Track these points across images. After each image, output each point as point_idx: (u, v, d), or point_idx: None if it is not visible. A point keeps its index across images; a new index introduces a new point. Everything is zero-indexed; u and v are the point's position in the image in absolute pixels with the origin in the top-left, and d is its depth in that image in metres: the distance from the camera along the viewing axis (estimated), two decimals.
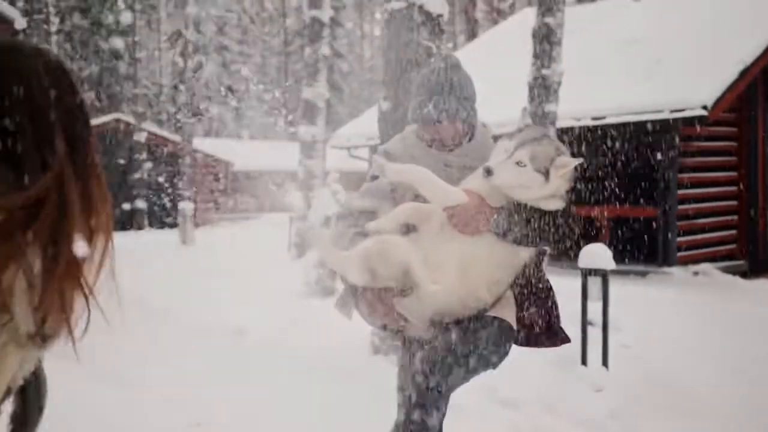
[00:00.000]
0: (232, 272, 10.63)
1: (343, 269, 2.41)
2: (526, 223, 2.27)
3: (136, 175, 24.01)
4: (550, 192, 2.29)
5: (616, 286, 9.25)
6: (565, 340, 2.61)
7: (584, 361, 5.08)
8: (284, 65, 43.16)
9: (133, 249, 14.92)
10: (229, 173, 26.88)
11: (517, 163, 2.25)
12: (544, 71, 8.76)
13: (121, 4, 33.19)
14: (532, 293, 2.49)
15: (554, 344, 2.61)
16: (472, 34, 26.53)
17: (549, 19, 8.72)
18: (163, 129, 26.94)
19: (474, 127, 2.60)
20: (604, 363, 5.07)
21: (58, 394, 4.33)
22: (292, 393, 5.08)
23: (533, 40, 8.88)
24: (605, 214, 11.14)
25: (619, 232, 11.43)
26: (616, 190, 11.27)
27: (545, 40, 8.75)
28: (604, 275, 5.04)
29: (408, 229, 2.41)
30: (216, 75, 39.77)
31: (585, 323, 5.07)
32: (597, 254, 5.05)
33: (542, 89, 8.79)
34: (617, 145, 11.40)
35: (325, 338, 6.32)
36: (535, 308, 2.54)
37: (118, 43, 28.41)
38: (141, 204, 23.95)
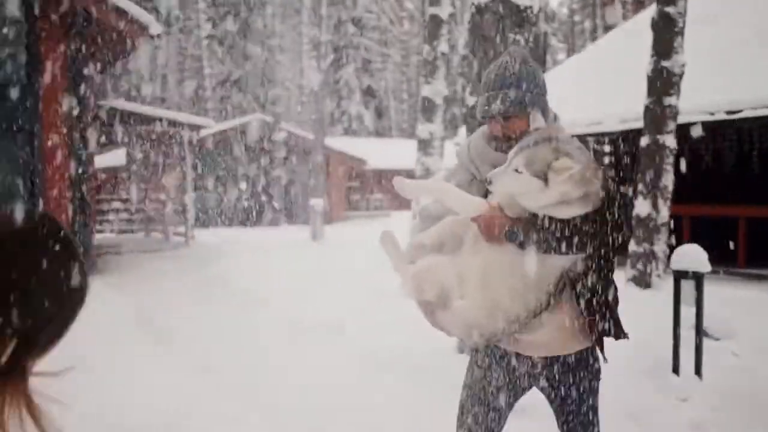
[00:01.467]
0: (347, 269, 10.85)
1: (403, 281, 2.45)
2: (539, 230, 2.15)
3: (275, 173, 24.99)
4: (553, 198, 2.13)
5: (745, 290, 8.71)
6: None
7: (676, 370, 4.78)
8: None
9: (264, 244, 15.60)
10: (362, 171, 27.39)
11: (515, 170, 2.15)
12: (664, 63, 8.31)
13: (268, 9, 34.50)
14: (590, 303, 2.32)
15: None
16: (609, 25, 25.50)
17: (669, 8, 8.27)
18: (301, 129, 27.86)
19: (538, 122, 2.43)
20: (697, 372, 4.75)
21: (153, 381, 4.62)
22: (378, 389, 5.13)
23: (652, 31, 8.45)
24: (741, 213, 10.38)
25: (758, 233, 10.62)
26: (754, 188, 10.47)
27: (665, 30, 8.30)
28: (698, 278, 4.71)
29: (454, 242, 2.38)
30: (355, 75, 40.65)
31: (677, 329, 4.77)
32: (691, 255, 4.72)
33: (661, 82, 8.35)
34: (755, 139, 10.62)
35: (420, 338, 6.33)
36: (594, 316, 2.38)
37: (263, 46, 29.45)
38: (278, 201, 24.90)
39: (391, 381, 5.39)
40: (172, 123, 15.23)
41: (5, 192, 11.20)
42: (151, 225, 18.19)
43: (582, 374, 2.40)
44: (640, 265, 8.50)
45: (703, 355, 4.79)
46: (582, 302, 2.27)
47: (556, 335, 2.32)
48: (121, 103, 15.62)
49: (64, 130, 11.28)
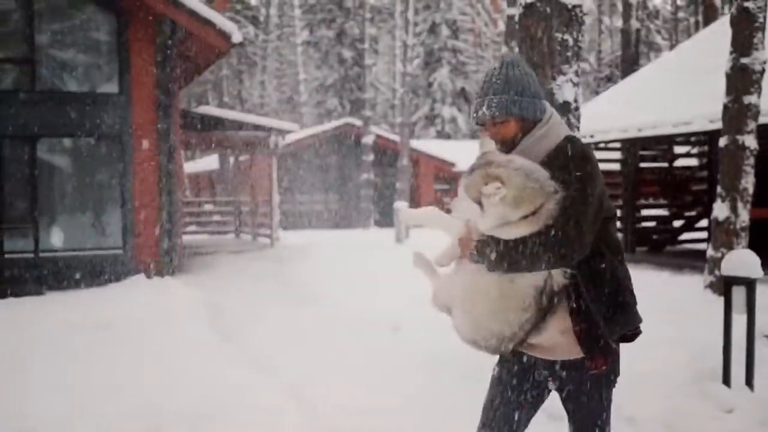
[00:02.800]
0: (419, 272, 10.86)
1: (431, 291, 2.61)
2: (489, 251, 2.23)
3: (363, 176, 25.28)
4: (492, 221, 2.21)
5: None
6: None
7: (726, 380, 4.58)
8: None
9: (348, 246, 15.83)
10: (451, 173, 27.34)
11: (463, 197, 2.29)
12: (743, 60, 7.95)
13: (365, 14, 34.98)
14: (574, 312, 2.33)
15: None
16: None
17: (748, 3, 7.89)
18: (392, 132, 28.08)
19: (485, 146, 2.45)
20: (748, 382, 4.54)
21: (206, 372, 4.82)
22: (435, 389, 5.16)
23: (731, 27, 8.10)
24: None
25: None
26: None
27: (744, 26, 7.94)
28: (749, 284, 4.50)
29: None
30: (449, 78, 40.57)
31: (728, 337, 4.57)
32: (742, 261, 4.51)
33: (741, 80, 7.99)
34: None
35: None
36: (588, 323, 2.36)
37: (357, 51, 29.84)
38: (366, 203, 25.17)
39: (448, 381, 5.39)
40: (260, 128, 15.69)
41: (102, 197, 11.87)
42: (240, 227, 18.78)
43: (590, 380, 2.38)
44: (717, 271, 8.14)
45: (756, 366, 4.57)
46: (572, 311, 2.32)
47: (559, 339, 2.33)
48: (210, 109, 16.23)
49: (154, 137, 11.84)
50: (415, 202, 25.83)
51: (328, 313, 8.05)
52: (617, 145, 14.29)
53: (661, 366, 5.28)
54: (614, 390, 2.46)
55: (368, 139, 24.97)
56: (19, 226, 11.27)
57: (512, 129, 2.37)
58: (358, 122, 26.20)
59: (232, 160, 19.02)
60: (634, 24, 23.20)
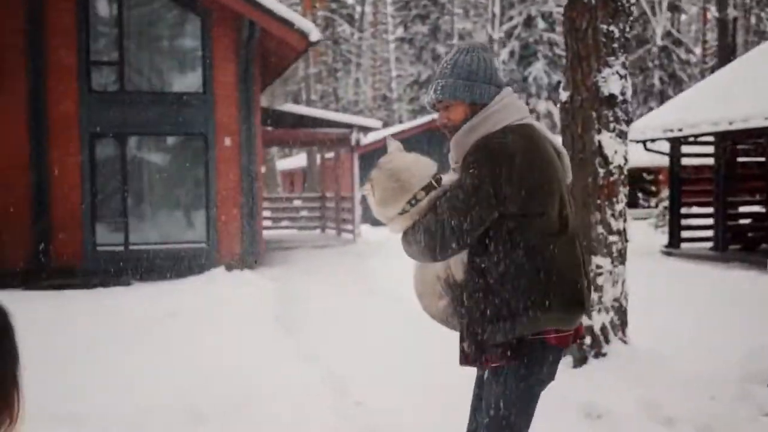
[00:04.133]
0: None
1: None
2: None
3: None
4: (379, 218, 2.43)
5: None
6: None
7: None
8: None
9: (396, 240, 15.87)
10: None
11: None
12: None
13: (458, 10, 34.82)
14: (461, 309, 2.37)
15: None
16: None
17: None
18: None
19: (392, 146, 2.49)
20: None
21: (260, 362, 4.98)
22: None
23: None
24: None
25: None
26: None
27: None
28: None
29: None
30: (545, 72, 39.80)
31: None
32: None
33: None
34: None
35: None
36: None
37: (451, 47, 29.72)
38: None
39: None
40: (342, 125, 15.93)
41: (187, 193, 12.38)
42: (325, 222, 19.13)
43: (497, 373, 2.35)
44: None
45: None
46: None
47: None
48: (294, 107, 16.62)
49: (236, 135, 12.25)
50: None
51: (397, 310, 8.10)
52: (710, 139, 13.69)
53: (711, 366, 5.08)
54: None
55: None
56: (112, 221, 11.91)
57: (459, 113, 2.37)
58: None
59: (318, 157, 19.41)
60: (732, 13, 22.06)
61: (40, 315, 7.55)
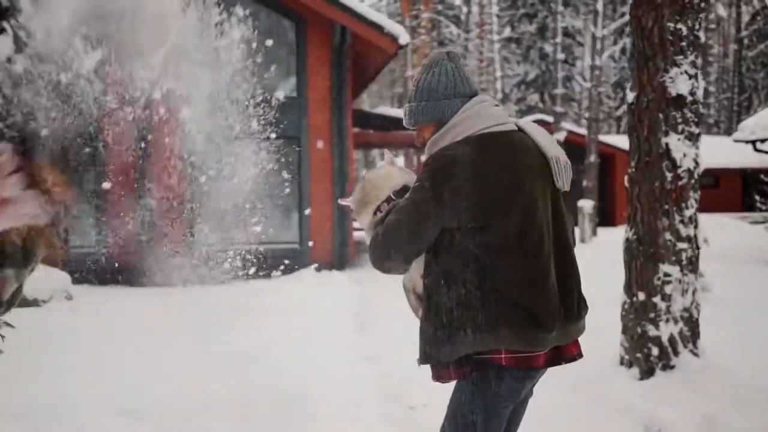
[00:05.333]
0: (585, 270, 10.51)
1: None
2: None
3: None
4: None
5: None
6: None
7: None
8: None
9: None
10: None
11: None
12: None
13: (561, 8, 34.11)
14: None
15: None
16: None
17: None
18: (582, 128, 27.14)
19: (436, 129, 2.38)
20: None
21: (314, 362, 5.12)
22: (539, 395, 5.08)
23: None
24: None
25: None
26: None
27: None
28: None
29: None
30: None
31: None
32: None
33: None
34: None
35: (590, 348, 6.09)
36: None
37: (557, 45, 29.11)
38: None
39: (557, 387, 5.26)
40: None
41: (283, 194, 12.73)
42: None
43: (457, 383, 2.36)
44: None
45: None
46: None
47: None
48: (387, 110, 16.72)
49: (328, 138, 12.51)
50: (605, 201, 24.81)
51: None
52: None
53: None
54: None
55: (559, 136, 24.26)
56: (216, 220, 12.40)
57: (429, 133, 2.36)
58: (548, 118, 25.63)
59: (402, 158, 19.47)
60: None
61: (133, 310, 8.00)
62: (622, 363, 5.33)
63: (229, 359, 5.75)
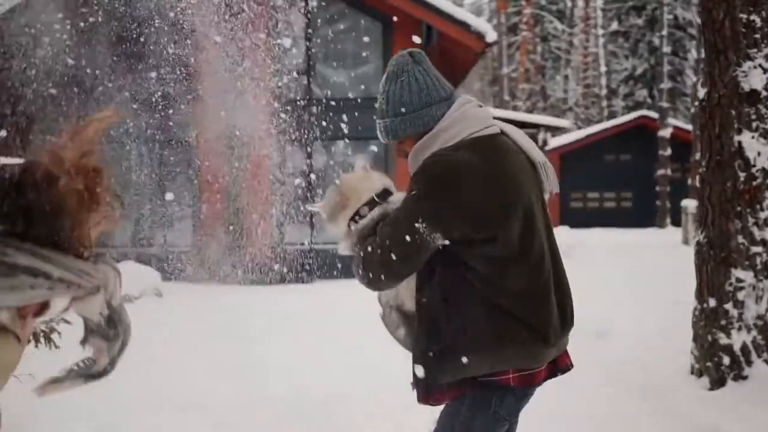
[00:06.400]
0: (674, 274, 10.11)
1: None
2: None
3: (660, 172, 23.72)
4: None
5: None
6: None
7: None
8: None
9: (621, 246, 15.17)
10: None
11: None
12: None
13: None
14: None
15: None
16: None
17: None
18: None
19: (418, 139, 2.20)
20: None
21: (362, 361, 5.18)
22: (603, 401, 4.96)
23: None
24: None
25: None
26: None
27: None
28: None
29: None
30: None
31: None
32: None
33: None
34: None
35: (661, 355, 5.87)
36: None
37: (665, 38, 28.01)
38: (662, 201, 23.60)
39: (620, 395, 5.10)
40: (527, 125, 15.66)
41: None
42: None
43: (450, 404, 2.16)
44: None
45: None
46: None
47: None
48: None
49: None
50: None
51: None
52: None
53: None
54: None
55: (665, 132, 23.36)
56: (298, 221, 12.69)
57: (411, 144, 2.18)
58: (653, 114, 24.70)
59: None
60: None
61: (218, 306, 8.28)
62: (692, 372, 5.09)
63: (283, 359, 5.86)
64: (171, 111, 11.38)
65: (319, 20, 12.70)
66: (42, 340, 3.73)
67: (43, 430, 4.01)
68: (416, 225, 1.97)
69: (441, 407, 2.20)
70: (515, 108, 35.63)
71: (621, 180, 24.65)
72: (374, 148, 12.52)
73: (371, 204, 2.18)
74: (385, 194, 2.20)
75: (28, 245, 1.25)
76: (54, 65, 11.37)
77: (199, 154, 11.96)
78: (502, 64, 31.46)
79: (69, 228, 1.30)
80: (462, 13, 11.91)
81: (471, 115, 2.12)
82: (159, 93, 11.57)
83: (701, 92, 4.89)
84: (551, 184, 2.19)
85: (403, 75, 2.15)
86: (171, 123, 11.83)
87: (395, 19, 12.32)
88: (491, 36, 11.83)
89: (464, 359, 2.00)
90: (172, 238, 12.50)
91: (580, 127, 33.07)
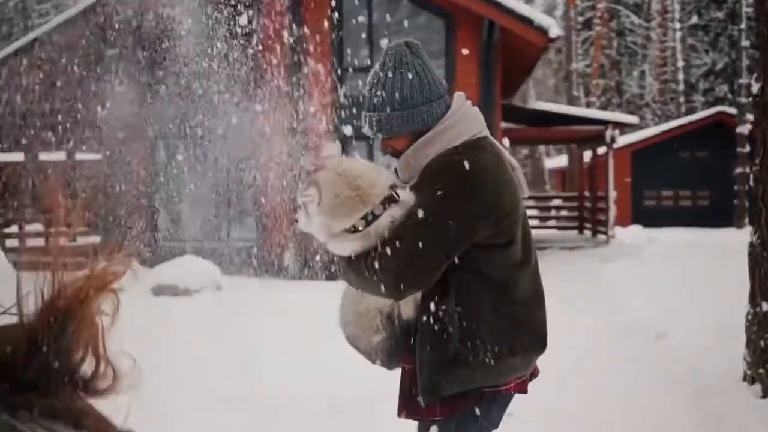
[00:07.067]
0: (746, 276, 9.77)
1: None
2: (338, 260, 2.06)
3: (738, 170, 22.80)
4: (317, 232, 1.98)
5: None
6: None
7: None
8: None
9: (700, 247, 14.72)
10: None
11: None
12: None
13: None
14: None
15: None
16: None
17: None
18: None
19: (330, 150, 2.14)
20: None
21: None
22: (663, 404, 4.85)
23: None
24: None
25: None
26: None
27: None
28: None
29: None
30: None
31: None
32: None
33: None
34: None
35: (717, 358, 5.66)
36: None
37: (743, 32, 26.92)
38: (740, 200, 22.70)
39: (672, 400, 4.96)
40: (594, 121, 15.33)
41: None
42: (583, 223, 18.53)
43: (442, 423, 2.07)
44: None
45: None
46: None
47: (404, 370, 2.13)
48: (543, 105, 16.30)
49: None
50: None
51: (592, 323, 7.72)
52: None
53: None
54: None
55: (743, 129, 22.41)
56: None
57: (404, 142, 2.07)
58: (733, 110, 23.78)
59: (588, 154, 18.81)
60: None
61: (276, 300, 8.39)
62: (744, 378, 4.89)
63: (324, 356, 5.88)
64: (236, 108, 11.61)
65: (379, 16, 12.74)
66: None
67: None
68: (446, 225, 1.87)
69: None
70: (588, 105, 34.93)
71: (697, 178, 23.80)
72: None
73: (387, 201, 1.96)
74: (398, 191, 2.01)
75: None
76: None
77: (263, 151, 12.16)
78: (571, 59, 30.81)
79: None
80: (524, 8, 11.73)
81: (471, 115, 2.08)
82: (228, 89, 11.85)
83: (755, 87, 4.70)
84: (525, 188, 2.13)
85: (402, 67, 2.06)
86: (235, 120, 12.07)
87: (457, 15, 12.24)
88: (555, 31, 11.60)
89: (475, 367, 1.94)
90: (236, 233, 12.76)
91: (657, 124, 32.16)
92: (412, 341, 2.04)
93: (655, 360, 5.98)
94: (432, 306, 1.94)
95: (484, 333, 1.94)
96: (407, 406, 2.07)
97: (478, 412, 2.02)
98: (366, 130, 2.10)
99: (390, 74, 2.05)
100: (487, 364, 1.94)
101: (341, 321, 2.19)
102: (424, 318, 1.96)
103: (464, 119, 2.06)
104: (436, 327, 1.94)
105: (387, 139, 2.10)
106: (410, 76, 2.04)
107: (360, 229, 1.92)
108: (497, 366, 1.96)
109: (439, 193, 1.89)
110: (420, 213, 1.88)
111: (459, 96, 2.13)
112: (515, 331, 1.99)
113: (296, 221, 2.02)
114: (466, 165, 1.90)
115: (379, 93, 2.04)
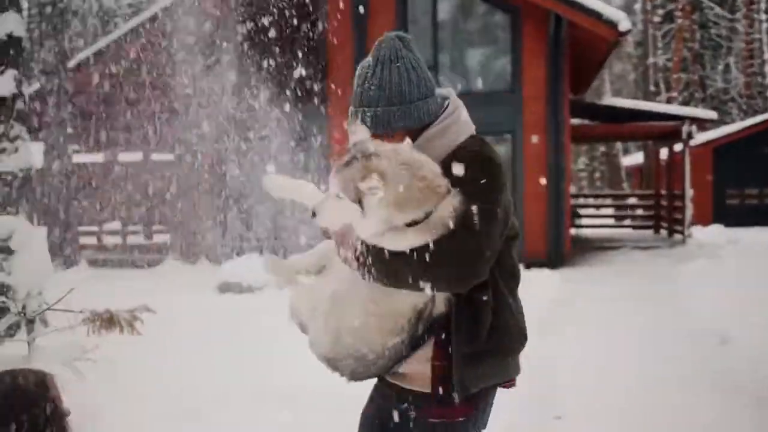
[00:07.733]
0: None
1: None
2: (376, 258, 1.82)
3: None
4: (375, 226, 1.81)
5: None
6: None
7: None
8: None
9: (735, 244, 14.18)
10: None
11: (337, 196, 1.83)
12: None
13: None
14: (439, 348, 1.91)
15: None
16: None
17: None
18: None
19: (359, 133, 1.96)
20: None
21: None
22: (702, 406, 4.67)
23: None
24: None
25: None
26: None
27: None
28: None
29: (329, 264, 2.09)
30: None
31: None
32: None
33: None
34: None
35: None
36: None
37: None
38: None
39: (734, 406, 4.76)
40: (669, 117, 14.82)
41: None
42: (659, 222, 17.96)
43: (436, 425, 1.94)
44: None
45: None
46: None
47: (418, 368, 1.93)
48: (615, 100, 15.89)
49: (543, 132, 12.23)
50: None
51: (664, 318, 7.46)
52: None
53: None
54: None
55: None
56: None
57: (397, 138, 1.97)
58: None
59: (665, 151, 18.21)
60: None
61: None
62: None
63: None
64: (304, 109, 11.74)
65: (444, 12, 12.68)
66: (125, 327, 3.95)
67: (126, 411, 4.23)
68: (502, 216, 1.85)
69: None
70: (669, 100, 33.83)
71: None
72: (507, 141, 12.30)
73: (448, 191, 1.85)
74: None
75: None
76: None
77: (331, 153, 12.28)
78: (648, 53, 29.91)
79: None
80: (593, 2, 11.43)
81: (464, 113, 2.04)
82: (293, 92, 12.01)
83: None
84: None
85: (398, 61, 1.98)
86: (306, 123, 12.23)
87: (523, 10, 12.06)
88: (625, 25, 11.27)
89: (498, 362, 1.92)
90: (303, 232, 12.90)
91: (743, 119, 30.88)
92: (434, 339, 1.91)
93: (719, 364, 5.74)
94: (470, 297, 1.86)
95: (502, 326, 1.91)
96: (434, 407, 1.93)
97: (481, 412, 1.98)
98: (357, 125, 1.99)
99: (386, 69, 1.97)
100: (505, 359, 1.95)
101: (331, 332, 1.97)
102: (461, 310, 1.87)
103: (461, 118, 2.01)
104: (464, 319, 1.87)
105: (378, 135, 1.96)
106: (408, 70, 1.98)
107: (419, 221, 1.80)
108: (515, 359, 1.99)
109: (482, 181, 1.85)
110: (484, 201, 1.81)
111: (449, 90, 2.07)
112: (519, 324, 1.98)
113: (313, 214, 1.87)
114: (495, 156, 1.92)
115: (375, 86, 1.97)
